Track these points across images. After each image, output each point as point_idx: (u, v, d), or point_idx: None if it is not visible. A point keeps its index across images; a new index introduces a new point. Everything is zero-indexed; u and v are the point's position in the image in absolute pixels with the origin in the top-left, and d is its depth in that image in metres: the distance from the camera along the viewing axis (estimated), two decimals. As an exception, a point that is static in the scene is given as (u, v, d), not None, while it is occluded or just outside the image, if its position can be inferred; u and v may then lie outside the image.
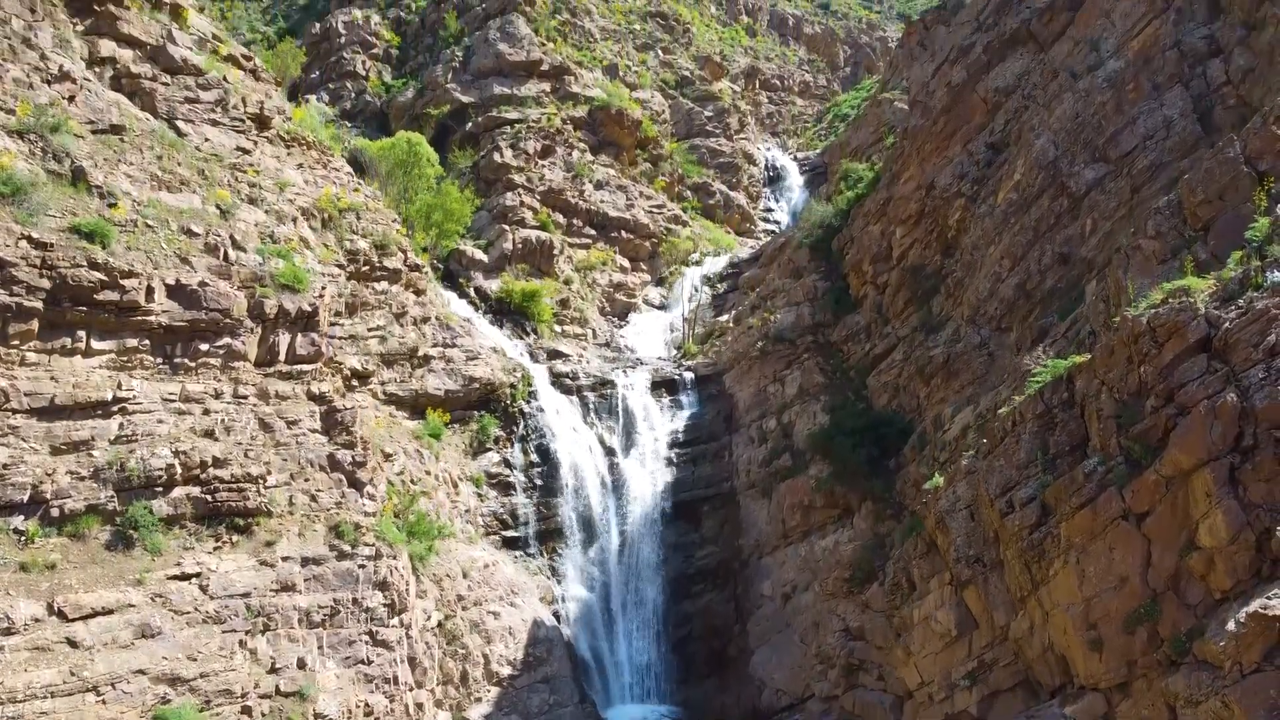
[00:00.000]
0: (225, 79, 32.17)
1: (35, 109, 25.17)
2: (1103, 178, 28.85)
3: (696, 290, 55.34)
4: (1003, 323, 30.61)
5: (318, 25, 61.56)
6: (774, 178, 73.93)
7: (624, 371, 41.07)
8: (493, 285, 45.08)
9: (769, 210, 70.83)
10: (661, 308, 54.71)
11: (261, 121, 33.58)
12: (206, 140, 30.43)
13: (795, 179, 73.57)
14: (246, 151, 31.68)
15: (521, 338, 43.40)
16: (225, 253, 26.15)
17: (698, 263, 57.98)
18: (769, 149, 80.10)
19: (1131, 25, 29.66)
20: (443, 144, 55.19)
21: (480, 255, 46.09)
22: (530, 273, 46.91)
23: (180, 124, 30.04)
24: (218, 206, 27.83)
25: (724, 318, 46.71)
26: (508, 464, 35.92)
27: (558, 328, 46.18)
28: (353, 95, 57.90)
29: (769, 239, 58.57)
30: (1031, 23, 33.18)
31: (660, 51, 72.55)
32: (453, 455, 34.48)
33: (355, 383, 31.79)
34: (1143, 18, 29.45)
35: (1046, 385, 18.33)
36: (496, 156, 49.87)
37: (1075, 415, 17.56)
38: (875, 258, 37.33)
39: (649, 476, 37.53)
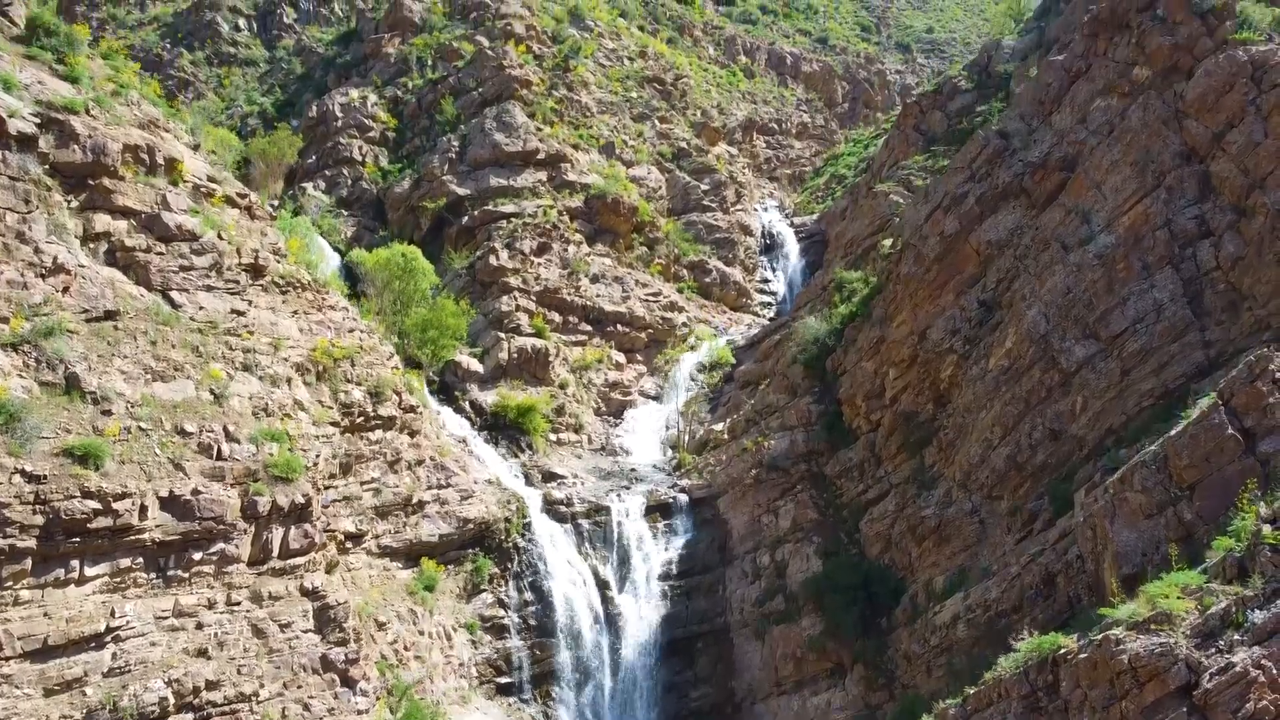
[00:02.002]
0: (220, 235, 32.21)
1: (29, 309, 25.35)
2: (1093, 356, 29.00)
3: (693, 380, 55.58)
4: (994, 491, 30.78)
5: (315, 108, 61.57)
6: (770, 245, 74.02)
7: (618, 495, 41.20)
8: (488, 398, 45.22)
9: (765, 281, 70.91)
10: (656, 398, 54.86)
11: (256, 270, 33.61)
12: (201, 309, 30.47)
13: (792, 246, 73.63)
14: (241, 313, 31.75)
15: (516, 455, 43.54)
16: (218, 449, 26.26)
17: (693, 348, 58.20)
18: (765, 209, 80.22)
19: (1122, 201, 29.77)
20: (439, 234, 55.44)
21: (476, 366, 46.24)
22: (527, 381, 47.07)
23: (174, 294, 30.08)
24: (211, 391, 27.96)
25: (719, 426, 46.79)
26: (502, 604, 36.09)
27: (553, 436, 46.35)
28: (349, 182, 58.00)
29: (765, 326, 58.62)
30: (1024, 178, 33.29)
31: (657, 121, 72.59)
32: (447, 603, 34.64)
33: (349, 544, 31.94)
34: (1133, 195, 29.57)
35: (1032, 665, 18.53)
36: (492, 259, 49.99)
37: (1060, 709, 17.75)
38: (869, 395, 37.48)
39: (643, 611, 37.67)
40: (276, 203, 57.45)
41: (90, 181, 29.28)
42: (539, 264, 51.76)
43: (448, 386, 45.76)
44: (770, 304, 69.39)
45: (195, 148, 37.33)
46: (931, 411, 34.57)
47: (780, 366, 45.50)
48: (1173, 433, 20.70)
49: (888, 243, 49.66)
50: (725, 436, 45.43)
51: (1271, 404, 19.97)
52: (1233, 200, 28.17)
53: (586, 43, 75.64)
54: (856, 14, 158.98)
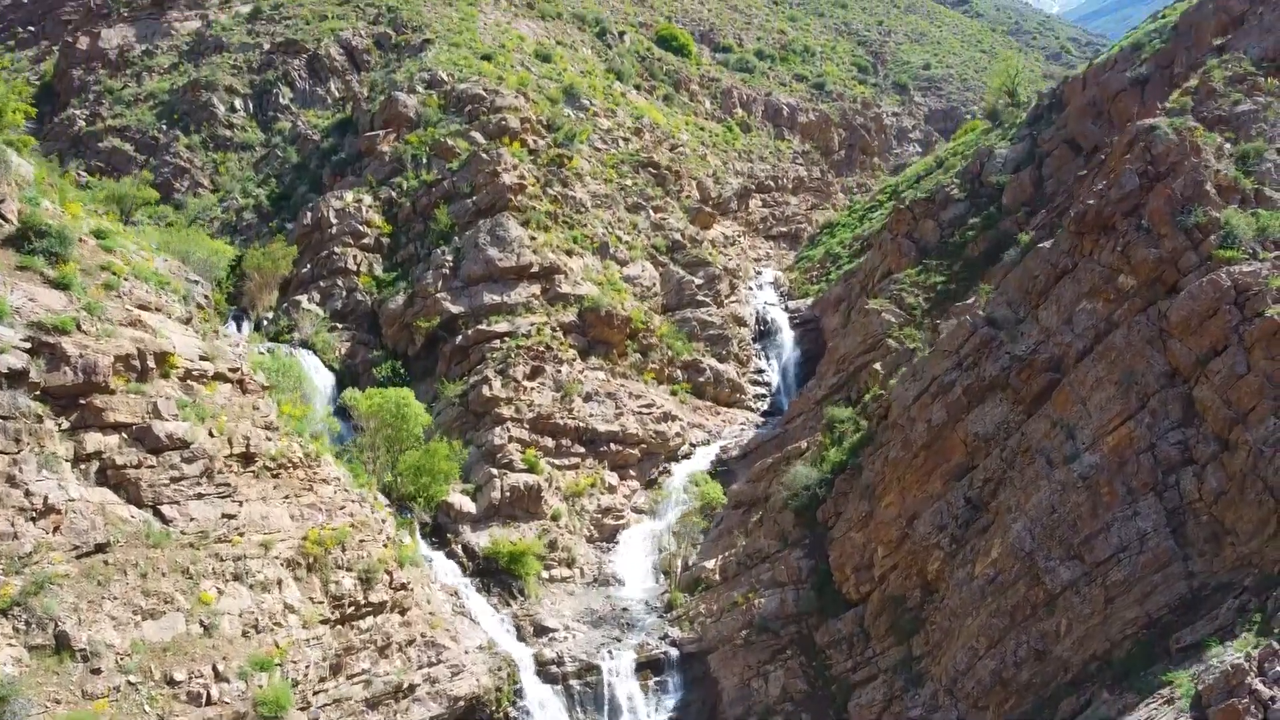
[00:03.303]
0: (211, 432, 32.36)
1: (19, 562, 25.55)
2: (1078, 579, 29.25)
3: (685, 492, 55.79)
4: (979, 702, 31.01)
5: (309, 215, 61.67)
6: (764, 332, 74.16)
7: (609, 652, 41.39)
8: (481, 540, 45.43)
9: (760, 372, 70.97)
10: (650, 513, 54.99)
11: (247, 458, 33.79)
12: (192, 520, 30.60)
13: (787, 334, 73.74)
14: (232, 516, 31.90)
15: (509, 604, 43.74)
16: (207, 694, 26.48)
17: (687, 456, 58.46)
18: (760, 287, 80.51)
19: (1107, 420, 30.01)
20: (434, 350, 55.63)
21: (469, 506, 46.43)
22: (520, 517, 47.31)
23: (165, 509, 30.16)
24: (201, 623, 28.17)
25: (710, 564, 46.86)
26: (492, 784, 36.30)
27: (545, 574, 46.54)
28: (344, 294, 58.13)
29: (759, 434, 58.82)
30: (1010, 374, 33.48)
31: (651, 211, 72.77)
32: (437, 791, 34.83)
33: (339, 748, 32.15)
34: (1118, 415, 29.82)
35: None
36: (485, 389, 50.19)
37: None
38: (857, 566, 37.71)
39: (633, 783, 37.95)
40: (271, 316, 57.72)
41: (81, 401, 29.42)
42: (531, 389, 51.96)
43: (440, 528, 45.96)
44: (764, 395, 69.46)
45: (187, 320, 37.48)
46: (919, 599, 34.79)
47: (772, 508, 45.68)
48: None
49: (878, 366, 50.11)
50: (717, 578, 45.61)
51: (1248, 724, 20.19)
52: (1216, 430, 28.40)
53: (582, 124, 75.95)
54: (854, 53, 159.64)
